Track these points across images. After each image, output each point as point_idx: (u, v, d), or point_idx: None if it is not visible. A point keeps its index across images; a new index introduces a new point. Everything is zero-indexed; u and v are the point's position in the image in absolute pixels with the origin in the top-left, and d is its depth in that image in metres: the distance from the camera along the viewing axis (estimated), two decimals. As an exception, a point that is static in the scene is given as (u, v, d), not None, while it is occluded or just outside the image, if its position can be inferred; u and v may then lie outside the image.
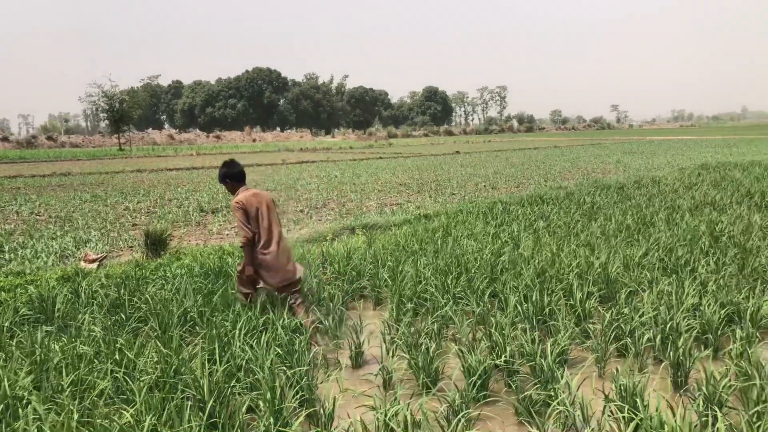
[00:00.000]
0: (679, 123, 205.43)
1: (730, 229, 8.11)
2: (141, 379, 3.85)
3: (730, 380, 3.63)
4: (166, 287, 6.16)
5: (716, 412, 3.27)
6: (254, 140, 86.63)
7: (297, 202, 14.02)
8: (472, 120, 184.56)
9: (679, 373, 4.05)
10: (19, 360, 4.17)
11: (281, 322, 4.79)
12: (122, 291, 5.91)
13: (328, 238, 8.98)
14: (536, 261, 6.57)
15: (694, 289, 5.40)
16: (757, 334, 4.66)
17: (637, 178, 16.13)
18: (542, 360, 3.96)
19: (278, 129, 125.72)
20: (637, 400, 3.36)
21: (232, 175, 5.28)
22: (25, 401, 3.56)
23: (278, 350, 4.28)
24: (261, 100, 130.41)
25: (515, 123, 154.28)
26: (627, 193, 12.85)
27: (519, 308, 5.17)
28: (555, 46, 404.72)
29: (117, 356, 4.18)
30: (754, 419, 3.22)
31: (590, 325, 4.86)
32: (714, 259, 6.54)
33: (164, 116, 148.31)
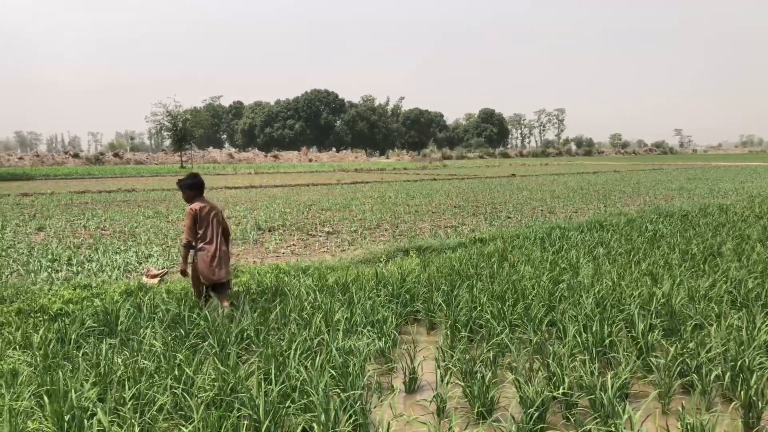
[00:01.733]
0: (748, 149, 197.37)
1: (806, 262, 7.69)
2: (199, 395, 3.92)
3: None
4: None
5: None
6: (310, 160, 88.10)
7: (351, 222, 14.12)
8: (529, 143, 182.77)
9: (751, 414, 3.84)
10: (85, 372, 4.32)
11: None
12: (182, 307, 6.06)
13: (381, 259, 9.00)
14: (596, 290, 6.39)
15: (767, 325, 5.14)
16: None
17: (702, 206, 15.55)
18: (602, 393, 3.83)
19: (334, 149, 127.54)
20: (706, 441, 3.20)
21: (195, 185, 6.40)
22: (90, 412, 3.68)
23: (332, 372, 4.29)
24: (318, 121, 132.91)
25: (573, 146, 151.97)
26: (691, 221, 12.40)
27: (578, 338, 5.03)
28: (613, 67, 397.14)
29: (176, 372, 4.27)
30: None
31: (653, 359, 4.68)
32: (788, 294, 6.21)
33: (225, 135, 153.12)
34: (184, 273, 6.49)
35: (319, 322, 5.46)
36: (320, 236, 12.00)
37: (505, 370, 4.74)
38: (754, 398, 3.85)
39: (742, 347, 4.60)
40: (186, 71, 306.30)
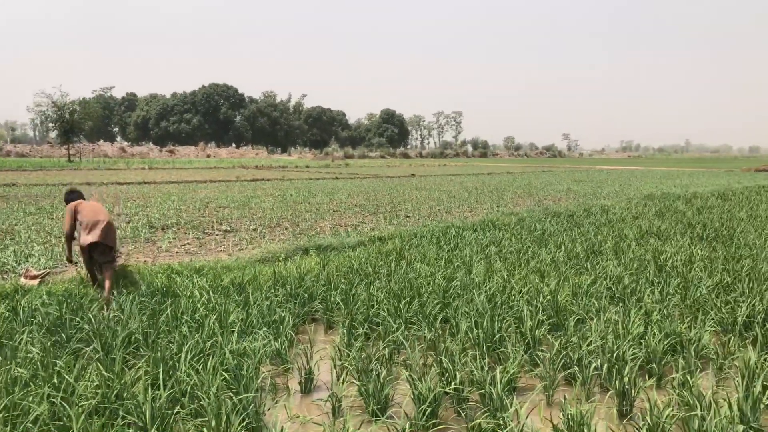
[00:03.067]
0: (627, 153, 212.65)
1: (674, 259, 8.38)
2: (80, 404, 3.69)
3: (673, 410, 3.71)
4: (110, 306, 5.96)
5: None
6: (208, 156, 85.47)
7: (250, 220, 13.83)
8: (428, 144, 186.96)
9: (624, 402, 4.13)
10: (-53, 383, 3.94)
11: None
12: (64, 310, 5.68)
13: (280, 258, 8.88)
14: (487, 287, 6.64)
15: (639, 318, 5.55)
16: (699, 363, 4.79)
17: (587, 207, 16.56)
18: (491, 387, 3.98)
19: (234, 145, 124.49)
20: (585, 429, 3.40)
21: (70, 199, 7.49)
22: (-49, 428, 3.36)
23: (225, 375, 4.18)
24: (217, 116, 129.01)
25: (470, 148, 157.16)
26: (576, 221, 13.17)
27: (470, 334, 5.20)
28: (508, 73, 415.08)
29: (55, 379, 4.00)
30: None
31: (539, 353, 4.92)
32: (659, 289, 6.73)
33: (116, 129, 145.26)
34: (69, 260, 7.51)
35: (213, 323, 5.30)
36: (217, 235, 11.66)
37: (400, 368, 4.81)
38: (627, 387, 4.14)
39: (618, 340, 4.94)
40: (73, 58, 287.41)
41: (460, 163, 79.11)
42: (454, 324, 5.52)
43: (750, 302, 6.02)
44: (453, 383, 4.17)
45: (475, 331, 5.23)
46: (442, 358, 4.50)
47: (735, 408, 3.71)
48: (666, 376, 4.70)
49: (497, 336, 5.16)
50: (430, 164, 71.13)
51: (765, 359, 4.68)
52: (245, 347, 4.78)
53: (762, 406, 3.80)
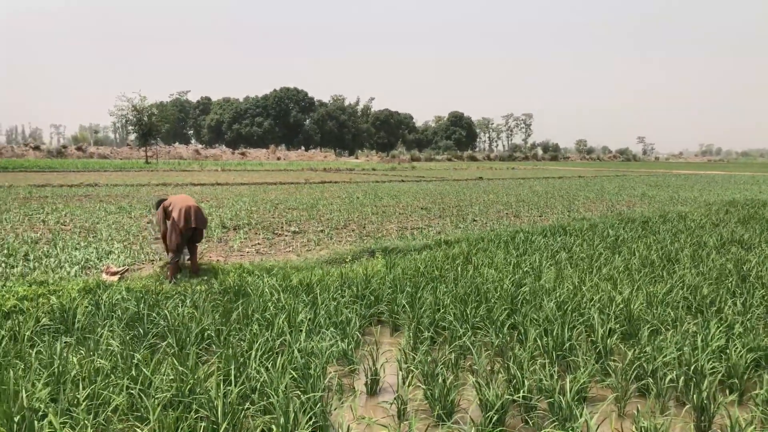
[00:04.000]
0: (707, 157, 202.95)
1: (759, 269, 7.94)
2: (156, 396, 3.85)
3: (755, 427, 3.52)
4: (185, 302, 6.20)
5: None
6: (278, 158, 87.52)
7: (318, 222, 14.06)
8: (497, 146, 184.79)
9: (703, 417, 3.94)
10: (38, 371, 4.20)
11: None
12: (141, 305, 5.95)
13: (347, 260, 8.97)
14: (557, 294, 6.48)
15: (720, 331, 5.28)
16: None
17: (663, 213, 15.92)
18: (560, 397, 3.88)
19: (303, 148, 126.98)
20: (659, 444, 3.27)
21: (159, 203, 8.48)
22: (41, 413, 3.58)
23: (293, 373, 4.26)
24: (287, 119, 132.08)
25: (540, 151, 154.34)
26: (652, 228, 12.68)
27: (539, 342, 5.09)
28: (583, 74, 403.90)
29: (133, 372, 4.19)
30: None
31: (611, 363, 4.77)
32: (741, 300, 6.39)
33: (191, 131, 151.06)
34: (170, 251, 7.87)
35: (282, 322, 5.41)
36: (286, 235, 11.91)
37: (467, 373, 4.77)
38: (706, 402, 3.94)
39: (696, 352, 4.72)
40: (155, 65, 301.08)
41: (530, 167, 77.73)
42: (522, 331, 5.43)
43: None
44: (521, 390, 4.10)
45: (545, 338, 5.12)
46: (510, 364, 4.43)
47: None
48: (748, 392, 4.45)
49: (567, 344, 5.03)
50: (498, 167, 70.23)
51: None
52: (313, 346, 4.86)
53: None
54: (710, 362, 4.56)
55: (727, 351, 4.80)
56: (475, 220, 14.98)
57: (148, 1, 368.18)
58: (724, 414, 3.92)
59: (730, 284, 7.13)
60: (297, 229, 12.70)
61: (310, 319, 5.69)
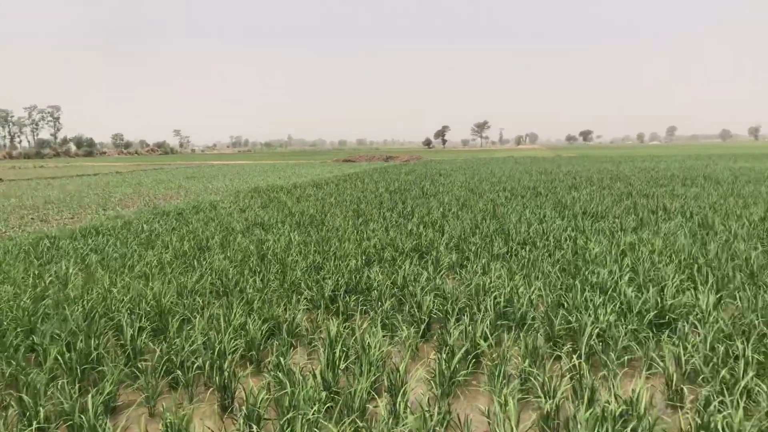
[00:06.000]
0: (237, 149, 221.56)
1: (274, 247, 8.99)
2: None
3: (267, 393, 3.94)
4: None
5: (255, 427, 3.49)
6: None
7: None
8: (20, 143, 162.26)
9: (225, 395, 4.21)
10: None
11: None
12: None
13: None
14: (85, 300, 6.05)
15: (241, 309, 5.76)
16: (293, 342, 5.22)
17: (196, 203, 16.60)
18: (82, 416, 3.61)
19: None
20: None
21: None
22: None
23: None
24: None
25: (73, 146, 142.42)
26: (186, 219, 13.07)
27: (60, 359, 4.64)
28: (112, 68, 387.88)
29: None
30: (286, 426, 3.55)
31: (141, 363, 4.69)
32: (260, 277, 7.12)
33: None
34: None
35: None
36: None
37: None
38: (227, 380, 4.22)
39: (220, 334, 5.03)
40: None
41: (62, 164, 70.82)
42: (41, 352, 4.85)
43: (335, 278, 6.83)
44: (35, 421, 3.65)
45: (67, 354, 4.68)
46: (22, 395, 3.90)
47: (319, 377, 4.15)
48: (264, 360, 4.97)
49: (94, 354, 4.72)
50: (23, 166, 62.01)
51: (344, 327, 5.37)
52: None
53: (338, 370, 4.33)
54: (232, 341, 4.92)
55: (247, 326, 5.25)
56: (-13, 231, 12.80)
57: None
58: (243, 387, 4.25)
59: (252, 264, 7.88)
60: None
61: None
